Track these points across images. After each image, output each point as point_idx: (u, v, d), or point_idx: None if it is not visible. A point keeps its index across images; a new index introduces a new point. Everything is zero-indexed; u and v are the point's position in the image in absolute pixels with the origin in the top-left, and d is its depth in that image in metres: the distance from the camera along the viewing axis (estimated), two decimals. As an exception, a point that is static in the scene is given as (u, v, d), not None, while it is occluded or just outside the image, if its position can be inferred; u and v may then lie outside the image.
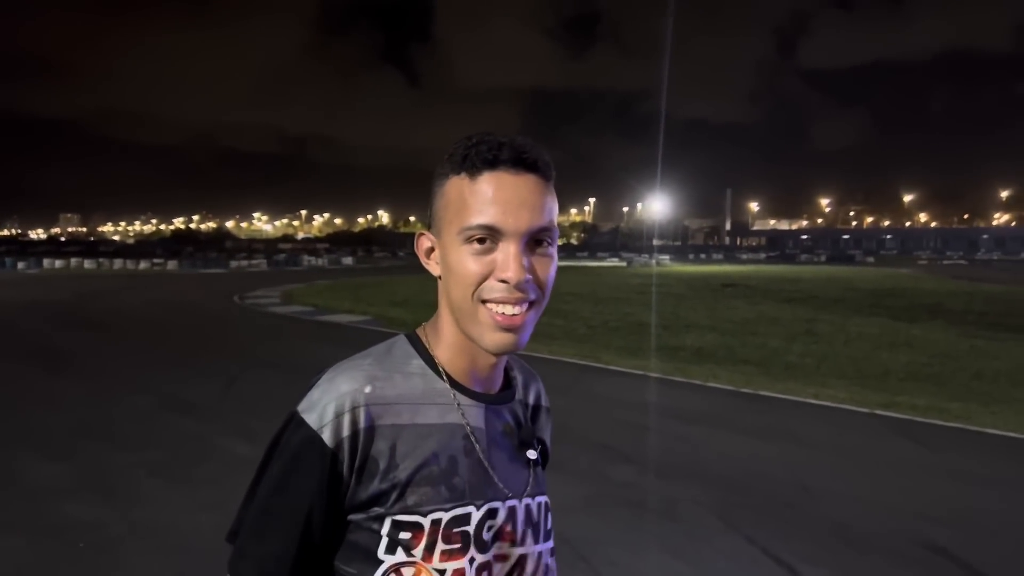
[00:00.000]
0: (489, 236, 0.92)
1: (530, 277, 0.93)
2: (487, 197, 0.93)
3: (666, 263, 55.92)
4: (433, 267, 1.01)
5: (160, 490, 5.35)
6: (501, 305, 0.93)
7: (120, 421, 7.34)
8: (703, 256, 71.90)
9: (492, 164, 0.93)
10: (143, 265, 48.63)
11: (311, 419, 0.95)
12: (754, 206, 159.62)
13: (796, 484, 5.53)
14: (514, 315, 0.93)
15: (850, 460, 6.19)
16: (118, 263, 50.35)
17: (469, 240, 0.93)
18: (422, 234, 1.03)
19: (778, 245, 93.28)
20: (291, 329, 15.58)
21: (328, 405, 0.95)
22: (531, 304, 0.94)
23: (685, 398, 8.55)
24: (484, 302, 0.93)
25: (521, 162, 0.94)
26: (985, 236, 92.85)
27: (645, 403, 8.38)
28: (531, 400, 1.16)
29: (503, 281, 0.92)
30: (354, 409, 0.94)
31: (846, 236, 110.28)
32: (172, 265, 48.83)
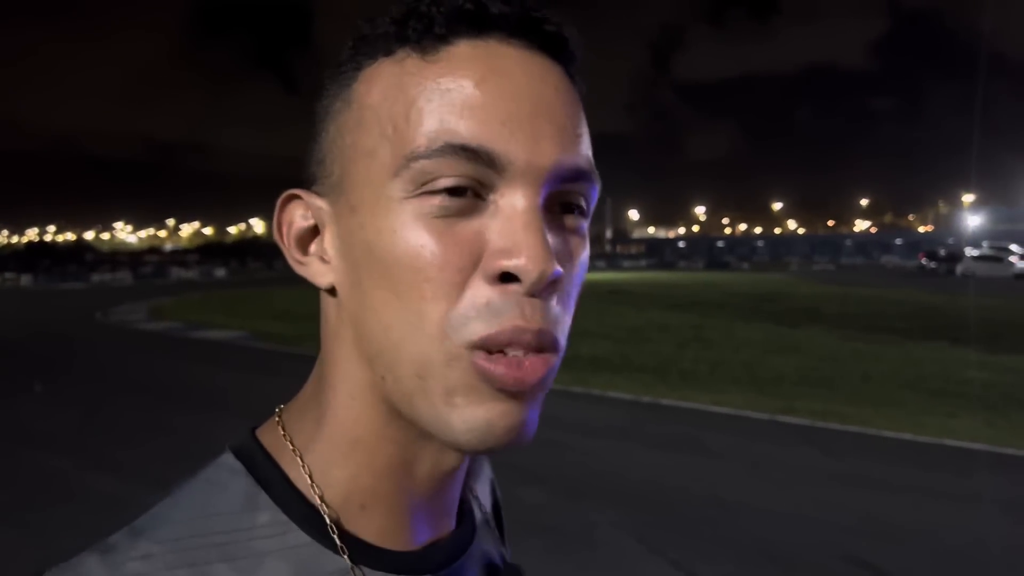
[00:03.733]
0: (473, 178, 0.45)
1: (560, 271, 0.45)
2: (467, 92, 0.45)
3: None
4: (317, 268, 0.51)
5: (7, 539, 4.59)
6: (499, 343, 0.45)
7: (-46, 461, 6.39)
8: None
9: (476, 24, 0.47)
10: (-8, 280, 44.85)
11: None
12: (633, 214, 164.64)
13: (711, 498, 5.36)
14: (532, 360, 0.45)
15: (759, 470, 6.09)
16: (-38, 279, 46.23)
17: (424, 191, 0.45)
18: (291, 196, 0.52)
19: (657, 252, 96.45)
20: (161, 347, 14.46)
21: None
22: (553, 347, 0.46)
23: (587, 410, 8.32)
24: (466, 344, 0.45)
25: (535, 28, 0.48)
26: (848, 242, 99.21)
27: (548, 416, 8.09)
28: (490, 500, 0.69)
29: (507, 278, 0.45)
30: None
31: (720, 243, 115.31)
32: (26, 280, 45.25)
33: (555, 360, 0.47)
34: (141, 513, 0.49)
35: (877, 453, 6.56)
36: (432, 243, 0.45)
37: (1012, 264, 40.47)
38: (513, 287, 0.45)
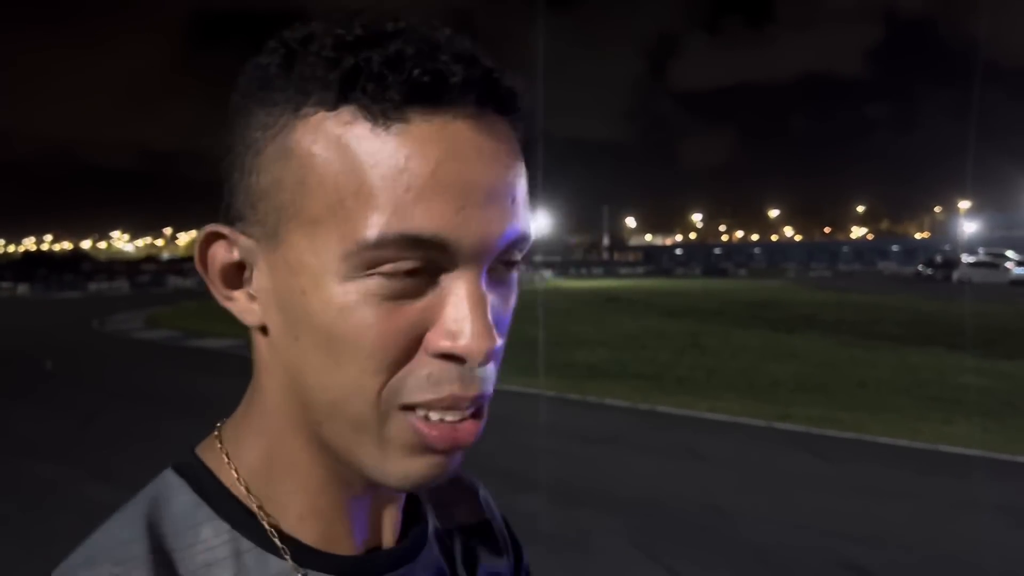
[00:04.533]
0: (423, 262, 0.45)
1: (501, 344, 0.47)
2: (423, 178, 0.43)
3: (549, 279, 56.60)
4: (244, 306, 0.50)
5: (3, 548, 4.57)
6: (437, 409, 0.47)
7: (-50, 471, 6.37)
8: (584, 271, 73.35)
9: (432, 97, 0.44)
10: (-11, 290, 44.72)
11: None
12: (630, 222, 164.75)
13: (707, 505, 5.35)
14: (461, 423, 0.47)
15: (756, 476, 6.10)
16: (-41, 288, 46.10)
17: (372, 273, 0.44)
18: (213, 234, 0.49)
19: (654, 259, 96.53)
20: (158, 356, 14.42)
21: None
22: (486, 397, 0.49)
23: (584, 417, 8.33)
24: (404, 406, 0.47)
25: (498, 97, 0.47)
26: (845, 248, 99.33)
27: (545, 424, 8.10)
28: (462, 520, 0.67)
29: (450, 358, 0.46)
30: None
31: (717, 250, 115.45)
32: (23, 289, 45.10)
33: (485, 416, 0.49)
34: (83, 538, 0.50)
35: (874, 459, 6.56)
36: (378, 323, 0.45)
37: (1008, 270, 40.52)
38: (456, 365, 0.46)
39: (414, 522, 0.60)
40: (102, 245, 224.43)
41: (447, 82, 0.44)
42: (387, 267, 0.44)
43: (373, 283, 0.44)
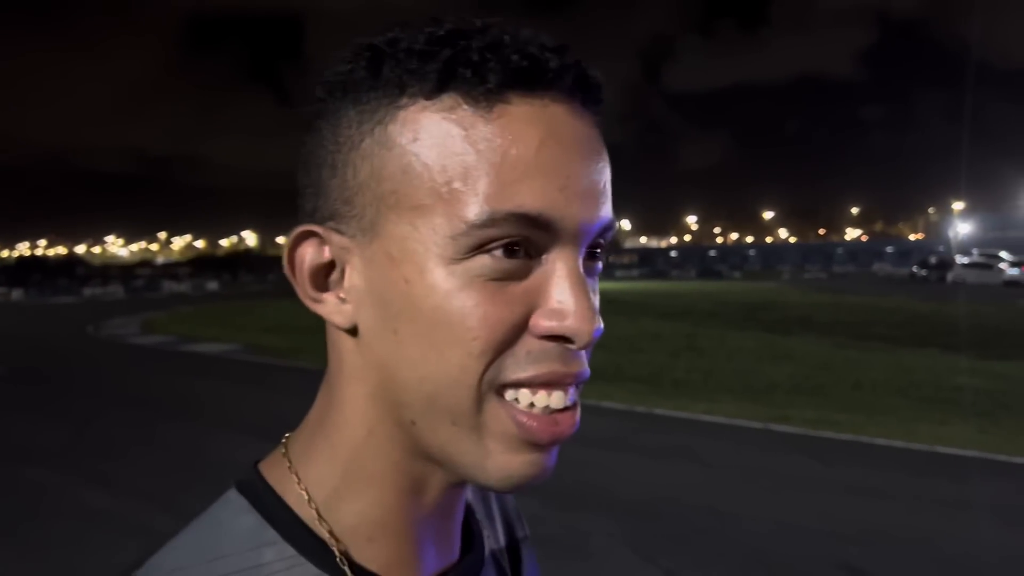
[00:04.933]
0: (529, 241, 0.45)
1: (602, 327, 0.47)
2: (527, 157, 0.45)
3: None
4: (335, 307, 0.50)
5: (1, 553, 4.55)
6: (542, 391, 0.47)
7: (-55, 477, 6.34)
8: (579, 274, 72.97)
9: (530, 81, 0.46)
10: (-17, 295, 44.56)
11: None
12: (625, 224, 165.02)
13: (705, 507, 5.36)
14: (562, 412, 0.48)
15: (753, 479, 6.10)
16: (-47, 294, 45.92)
17: (479, 251, 0.45)
18: (304, 233, 0.50)
19: (650, 262, 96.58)
20: (153, 361, 14.38)
21: None
22: (584, 377, 0.50)
23: (581, 420, 8.32)
24: (503, 389, 0.47)
25: (586, 86, 0.48)
26: (840, 250, 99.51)
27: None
28: (505, 535, 0.68)
29: (554, 338, 0.46)
30: None
31: (712, 252, 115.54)
32: (17, 295, 45.00)
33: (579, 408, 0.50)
34: (148, 556, 0.49)
35: (870, 461, 6.57)
36: (485, 304, 0.45)
37: (1002, 271, 40.69)
38: (563, 345, 0.47)
39: (469, 541, 0.60)
40: (96, 250, 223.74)
41: (544, 67, 0.46)
42: (493, 246, 0.45)
43: (478, 264, 0.45)
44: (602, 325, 0.47)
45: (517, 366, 0.46)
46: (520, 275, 0.46)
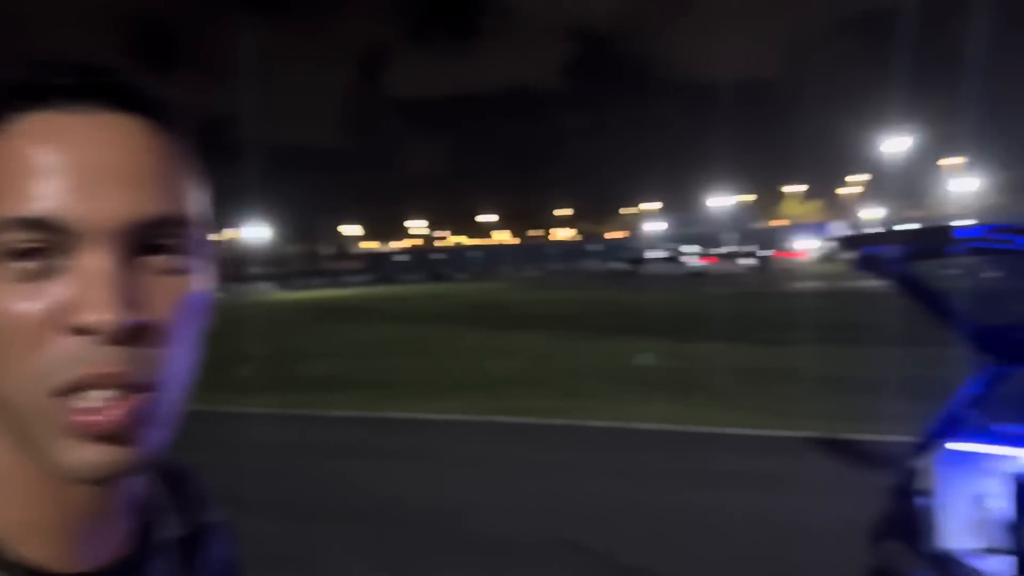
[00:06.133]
0: (46, 242, 0.46)
1: (142, 319, 0.47)
2: (31, 165, 0.47)
3: (269, 292, 54.33)
4: None
5: None
6: (85, 390, 0.46)
7: None
8: (306, 282, 71.43)
9: (37, 97, 0.48)
10: None
11: None
12: (352, 229, 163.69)
13: (437, 504, 5.48)
14: (108, 408, 0.46)
15: (483, 470, 6.37)
16: None
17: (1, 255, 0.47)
18: None
19: (378, 267, 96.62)
20: None
21: None
22: (143, 387, 0.48)
23: (311, 432, 8.12)
24: (55, 390, 0.47)
25: (101, 90, 0.49)
26: (553, 250, 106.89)
27: (272, 442, 7.73)
28: (188, 523, 0.65)
29: (82, 331, 0.46)
30: None
31: (439, 256, 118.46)
32: None
33: (144, 400, 0.48)
34: None
35: (589, 442, 7.17)
36: (12, 306, 0.46)
37: (684, 263, 47.24)
38: (92, 338, 0.46)
39: (145, 535, 0.59)
40: None
41: (46, 83, 0.48)
42: (12, 249, 0.46)
43: (2, 269, 0.46)
44: (135, 317, 0.46)
45: (61, 368, 0.46)
46: (50, 276, 0.47)
